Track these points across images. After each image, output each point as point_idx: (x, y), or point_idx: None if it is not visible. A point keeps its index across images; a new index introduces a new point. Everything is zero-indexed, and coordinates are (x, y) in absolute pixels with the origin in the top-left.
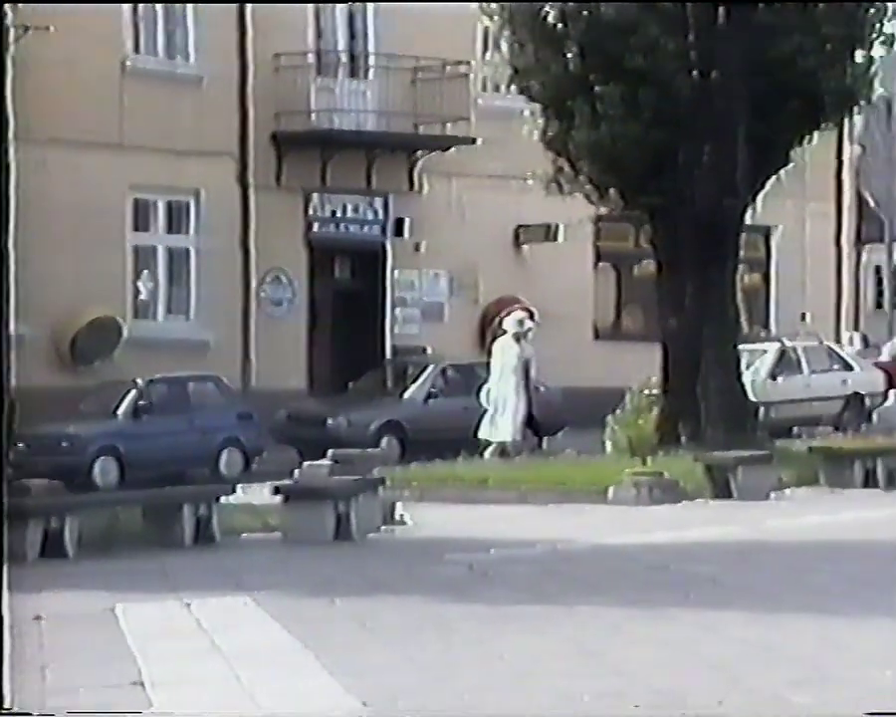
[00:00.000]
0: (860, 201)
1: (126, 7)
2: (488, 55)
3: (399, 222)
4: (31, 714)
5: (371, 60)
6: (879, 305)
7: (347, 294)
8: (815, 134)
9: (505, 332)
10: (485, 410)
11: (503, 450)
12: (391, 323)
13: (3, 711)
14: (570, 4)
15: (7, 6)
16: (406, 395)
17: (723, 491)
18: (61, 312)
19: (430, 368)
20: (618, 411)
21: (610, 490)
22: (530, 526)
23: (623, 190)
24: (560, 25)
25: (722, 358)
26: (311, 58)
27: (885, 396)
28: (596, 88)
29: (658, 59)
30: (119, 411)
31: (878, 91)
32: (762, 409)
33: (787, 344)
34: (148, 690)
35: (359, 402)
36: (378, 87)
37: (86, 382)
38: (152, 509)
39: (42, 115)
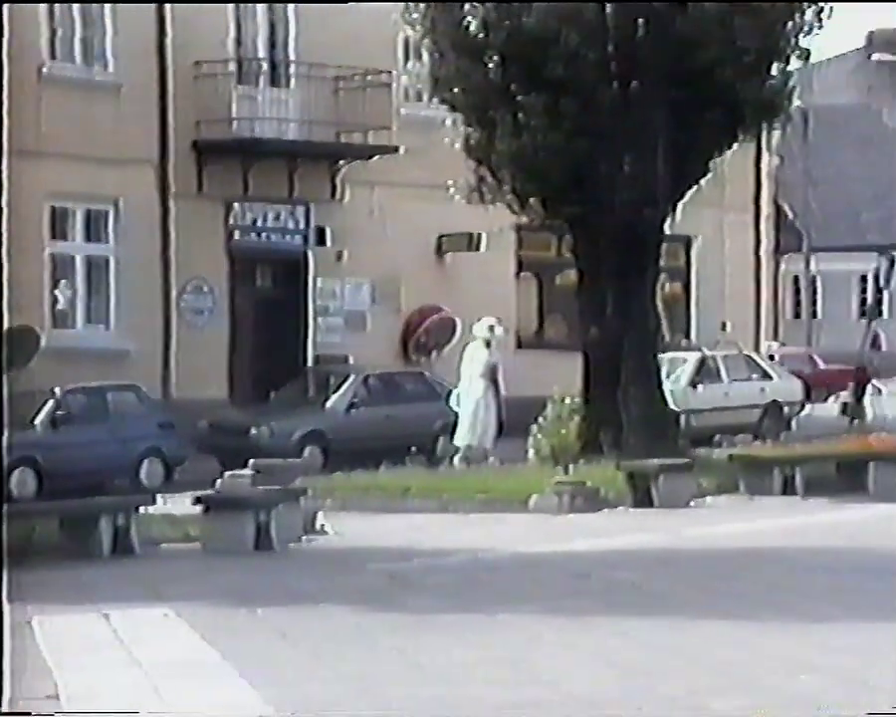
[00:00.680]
0: (779, 212)
1: (43, 11)
2: (410, 64)
3: (321, 231)
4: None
5: (293, 68)
6: (797, 314)
7: (269, 303)
8: (734, 145)
9: (475, 337)
10: (457, 417)
11: (468, 455)
12: (313, 332)
13: None
14: (492, 14)
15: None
16: (328, 405)
17: (644, 499)
18: None
19: (352, 378)
20: (541, 420)
21: (532, 499)
22: (452, 535)
23: (545, 200)
24: (481, 34)
25: (643, 367)
26: (231, 66)
27: (803, 405)
28: (518, 97)
29: (579, 69)
30: (37, 421)
31: (795, 103)
32: (683, 418)
33: (708, 352)
34: (64, 703)
35: (281, 412)
36: (300, 95)
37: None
38: (70, 520)
39: None
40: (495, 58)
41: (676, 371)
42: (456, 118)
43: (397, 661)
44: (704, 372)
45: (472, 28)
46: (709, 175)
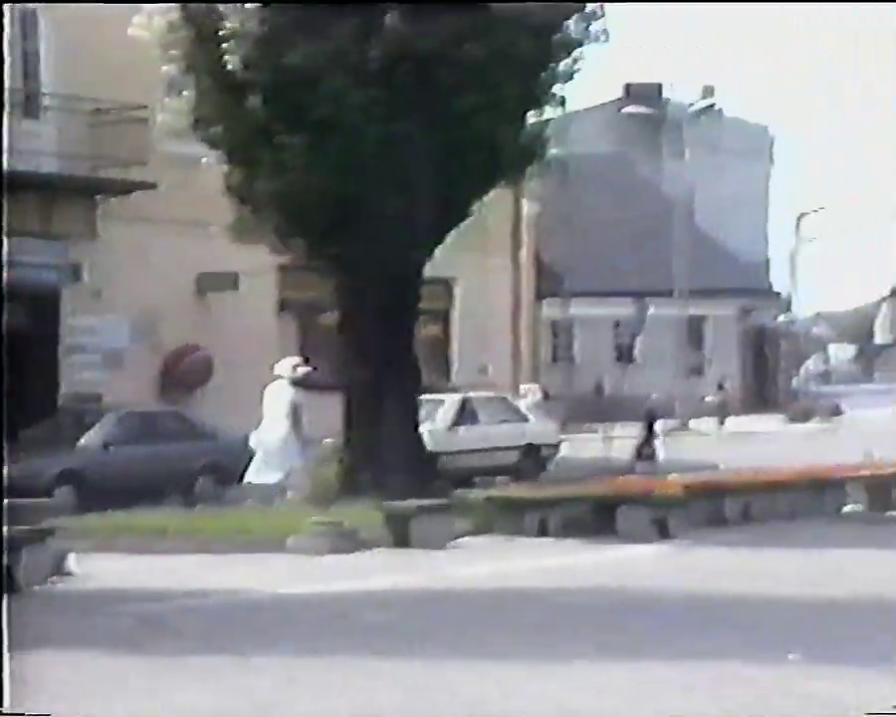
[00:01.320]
0: (538, 257)
1: None
2: (169, 100)
3: (76, 267)
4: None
5: (48, 100)
6: (556, 358)
7: (21, 339)
8: (493, 190)
9: (279, 376)
10: (252, 454)
11: (266, 495)
12: (68, 369)
13: None
14: (253, 52)
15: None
16: (82, 443)
17: (402, 540)
18: None
19: (108, 416)
20: None
21: (290, 539)
22: (209, 576)
23: (308, 240)
24: (242, 72)
25: (402, 408)
26: None
27: (558, 447)
28: (280, 137)
29: (343, 110)
30: None
31: (552, 150)
32: (442, 459)
33: (467, 395)
34: None
35: (32, 451)
36: (57, 128)
37: None
38: None
39: None
40: (257, 96)
41: (436, 413)
42: (216, 155)
43: (149, 705)
44: (464, 414)
45: (232, 65)
46: (471, 219)
